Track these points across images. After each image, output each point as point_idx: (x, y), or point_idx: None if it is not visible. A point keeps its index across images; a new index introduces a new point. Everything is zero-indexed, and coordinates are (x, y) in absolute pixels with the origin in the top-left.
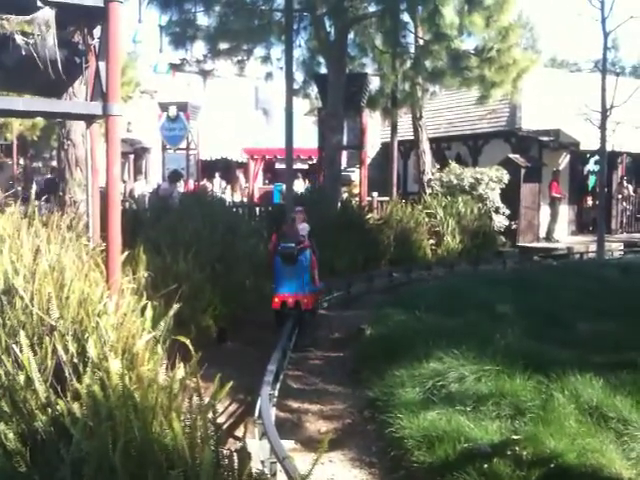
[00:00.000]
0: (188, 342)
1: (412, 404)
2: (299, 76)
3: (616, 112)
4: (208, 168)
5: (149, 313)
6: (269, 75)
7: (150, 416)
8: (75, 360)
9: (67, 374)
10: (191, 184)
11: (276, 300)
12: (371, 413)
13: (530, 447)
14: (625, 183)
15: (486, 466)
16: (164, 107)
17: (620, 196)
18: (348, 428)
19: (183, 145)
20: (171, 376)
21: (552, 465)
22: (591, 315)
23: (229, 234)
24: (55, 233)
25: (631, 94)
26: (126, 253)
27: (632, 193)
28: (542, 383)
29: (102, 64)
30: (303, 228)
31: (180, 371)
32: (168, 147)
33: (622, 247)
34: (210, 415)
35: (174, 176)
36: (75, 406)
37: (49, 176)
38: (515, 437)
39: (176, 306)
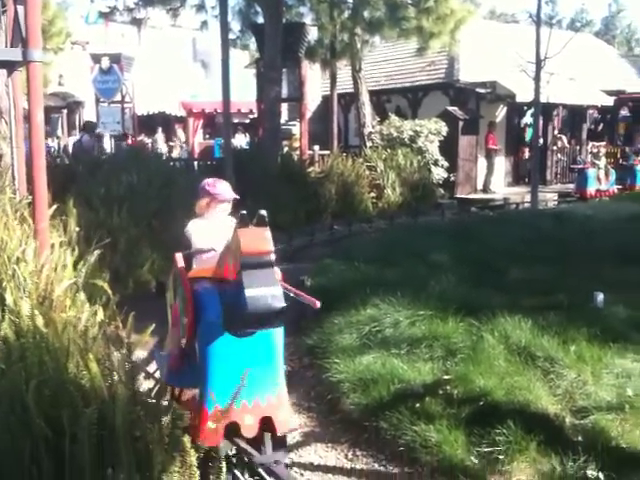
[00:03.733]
0: (106, 286)
1: (349, 349)
2: (236, 26)
3: (554, 65)
4: (146, 123)
5: (70, 260)
6: (204, 24)
7: (64, 357)
8: None
9: None
10: (129, 140)
11: (210, 426)
12: (310, 360)
13: (461, 386)
14: (559, 134)
15: (418, 405)
16: (96, 59)
17: (555, 147)
18: (287, 375)
19: (118, 98)
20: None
21: (481, 402)
22: (525, 262)
23: (166, 188)
24: None
25: (564, 45)
26: (55, 206)
27: (566, 144)
28: (473, 325)
29: (21, 8)
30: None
31: (99, 315)
32: (102, 100)
33: (556, 197)
34: (126, 355)
35: (89, 125)
36: None
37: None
38: (446, 377)
39: (97, 252)
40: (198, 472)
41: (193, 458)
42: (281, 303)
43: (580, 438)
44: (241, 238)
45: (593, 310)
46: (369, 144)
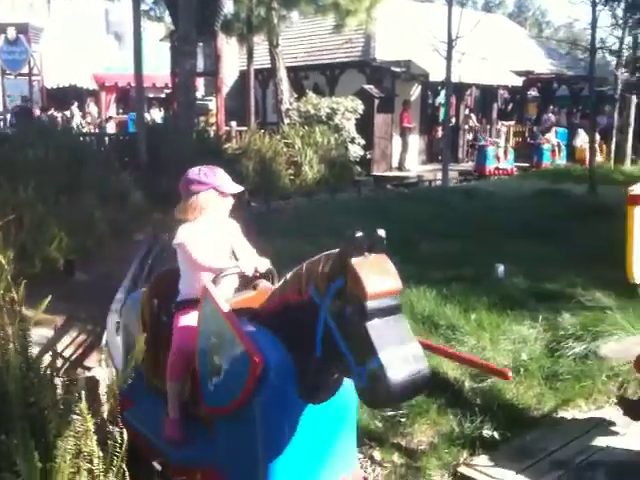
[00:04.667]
0: (1, 257)
1: None
2: None
3: (467, 45)
4: (56, 97)
5: None
6: None
7: None
8: None
9: None
10: (37, 113)
11: None
12: None
13: None
14: (469, 113)
15: None
16: (2, 29)
17: (466, 127)
18: None
19: (25, 70)
20: None
21: None
22: (434, 237)
23: (75, 164)
24: None
25: (475, 25)
26: None
27: (476, 123)
28: None
29: None
30: None
31: None
32: (8, 72)
33: (463, 175)
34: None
35: None
36: None
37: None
38: None
39: None
40: (95, 437)
41: (90, 423)
42: (425, 365)
43: (478, 400)
44: (361, 274)
45: (494, 281)
46: (287, 121)
